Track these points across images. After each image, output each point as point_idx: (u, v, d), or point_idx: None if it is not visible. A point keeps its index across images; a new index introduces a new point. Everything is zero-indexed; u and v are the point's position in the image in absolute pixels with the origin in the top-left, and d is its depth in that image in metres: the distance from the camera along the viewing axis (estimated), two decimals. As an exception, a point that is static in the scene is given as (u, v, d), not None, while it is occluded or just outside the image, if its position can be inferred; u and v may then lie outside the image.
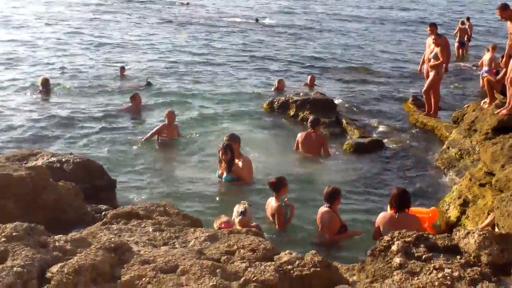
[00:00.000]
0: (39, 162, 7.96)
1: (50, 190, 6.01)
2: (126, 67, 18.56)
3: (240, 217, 6.64)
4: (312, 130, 11.68)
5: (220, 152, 9.67)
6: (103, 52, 22.65)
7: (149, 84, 17.09)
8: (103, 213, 6.09)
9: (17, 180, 5.80)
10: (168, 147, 11.80)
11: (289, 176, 8.83)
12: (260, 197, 9.10)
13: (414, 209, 7.58)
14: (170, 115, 12.12)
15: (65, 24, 29.91)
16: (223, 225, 6.37)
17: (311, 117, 12.26)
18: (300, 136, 11.84)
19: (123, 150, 11.47)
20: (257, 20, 34.42)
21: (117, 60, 20.92)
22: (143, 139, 11.92)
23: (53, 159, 8.18)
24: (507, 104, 10.63)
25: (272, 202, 8.16)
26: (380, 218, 7.26)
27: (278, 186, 8.13)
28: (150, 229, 4.88)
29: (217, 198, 9.37)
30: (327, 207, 7.70)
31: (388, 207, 7.46)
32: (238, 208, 6.78)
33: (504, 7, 10.82)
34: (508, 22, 10.80)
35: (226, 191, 9.63)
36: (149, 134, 12.01)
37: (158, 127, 12.09)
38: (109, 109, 14.41)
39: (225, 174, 9.71)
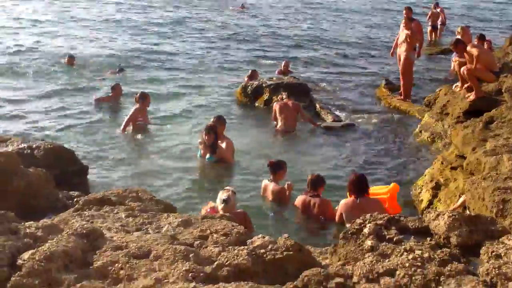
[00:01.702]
0: (9, 148, 7.83)
1: (21, 176, 5.92)
2: (75, 56, 17.80)
3: (223, 204, 6.60)
4: (287, 99, 12.07)
5: (203, 134, 9.67)
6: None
7: (122, 70, 16.92)
8: (75, 199, 6.00)
9: (-14, 166, 5.70)
10: (143, 133, 11.64)
11: (266, 158, 8.93)
12: (241, 179, 9.20)
13: (372, 189, 7.72)
14: (145, 98, 11.86)
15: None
16: (209, 210, 6.37)
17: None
18: (276, 104, 12.17)
19: (98, 137, 11.29)
20: (242, 5, 33.94)
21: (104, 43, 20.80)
22: (121, 131, 11.56)
23: (23, 145, 8.05)
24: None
25: (271, 186, 8.17)
26: (342, 205, 7.40)
27: (276, 167, 8.24)
28: (123, 215, 4.85)
29: (198, 180, 9.43)
30: (313, 195, 7.72)
31: (348, 193, 7.57)
32: (221, 196, 6.71)
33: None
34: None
35: (207, 172, 9.68)
36: (124, 123, 11.62)
37: (131, 112, 11.73)
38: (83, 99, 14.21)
39: (208, 155, 9.73)
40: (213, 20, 28.90)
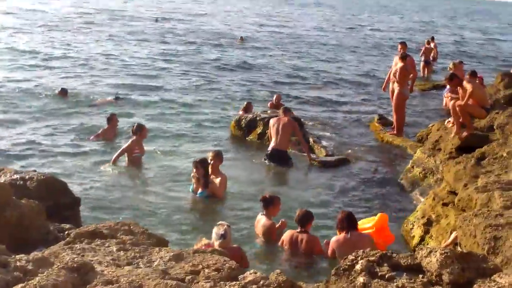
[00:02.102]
0: (2, 179, 7.79)
1: (13, 208, 5.89)
2: (68, 89, 17.55)
3: (221, 240, 6.56)
4: (284, 115, 12.13)
5: (194, 168, 9.74)
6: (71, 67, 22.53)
7: (118, 98, 16.98)
8: (66, 232, 5.98)
9: (-22, 198, 5.67)
10: (136, 165, 11.60)
11: (259, 193, 8.93)
12: (233, 214, 9.20)
13: (360, 222, 7.78)
14: (141, 130, 11.75)
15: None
16: (203, 248, 6.32)
17: (284, 106, 13.29)
18: (272, 121, 12.32)
19: (91, 169, 11.24)
20: (241, 38, 34.68)
21: (89, 76, 20.87)
22: (111, 162, 11.41)
23: (16, 176, 8.01)
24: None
25: (262, 221, 8.15)
26: (333, 242, 7.42)
27: (268, 202, 8.18)
28: (114, 249, 4.83)
29: (190, 215, 9.41)
30: (301, 231, 7.70)
31: (338, 231, 7.57)
32: (217, 231, 6.65)
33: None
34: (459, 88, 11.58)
35: (199, 207, 9.67)
36: (116, 154, 11.51)
37: (127, 144, 11.62)
38: (80, 128, 14.20)
39: (200, 190, 9.73)
40: (209, 53, 29.28)
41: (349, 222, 7.35)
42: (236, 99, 18.78)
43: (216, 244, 6.50)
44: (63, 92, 17.13)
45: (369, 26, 57.25)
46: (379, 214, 8.05)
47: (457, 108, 11.09)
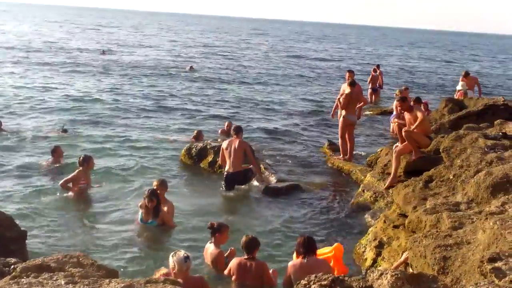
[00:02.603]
0: None
1: (-45, 243, 5.68)
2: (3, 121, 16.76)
3: (186, 262, 6.44)
4: (236, 137, 12.19)
5: (146, 199, 9.56)
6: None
7: (64, 131, 16.71)
8: (12, 266, 5.77)
9: None
10: (83, 196, 11.36)
11: (208, 221, 8.82)
12: (183, 243, 9.05)
13: (318, 251, 7.73)
14: (89, 161, 11.66)
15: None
16: (162, 277, 6.20)
17: (234, 125, 13.38)
18: (224, 144, 12.43)
19: (36, 201, 10.92)
20: (191, 67, 34.95)
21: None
22: (60, 184, 11.36)
23: (-41, 210, 7.76)
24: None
25: (210, 249, 8.05)
26: (290, 266, 7.33)
27: (216, 230, 8.05)
28: (63, 282, 4.69)
29: (140, 245, 9.23)
30: (248, 257, 7.59)
31: (295, 255, 7.54)
32: (179, 256, 6.53)
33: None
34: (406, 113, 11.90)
35: (149, 236, 9.48)
36: (64, 180, 11.40)
37: (74, 173, 11.48)
38: (25, 161, 13.82)
39: (150, 219, 9.61)
40: (157, 81, 29.35)
41: (306, 247, 7.27)
42: (187, 128, 18.69)
43: (179, 269, 6.38)
44: None
45: (315, 55, 58.39)
46: (336, 244, 8.05)
47: (403, 133, 11.32)
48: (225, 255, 8.06)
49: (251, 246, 7.57)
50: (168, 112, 21.63)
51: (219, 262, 7.92)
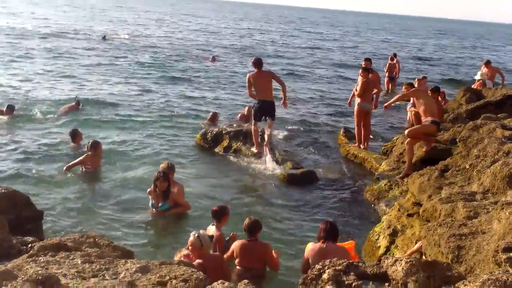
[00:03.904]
0: (-38, 193, 7.62)
1: (-27, 221, 5.77)
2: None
3: (203, 242, 6.53)
4: (258, 69, 13.03)
5: (159, 181, 9.59)
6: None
7: (78, 103, 16.95)
8: (30, 245, 5.85)
9: None
10: (94, 178, 11.52)
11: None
12: (197, 224, 9.06)
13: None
14: (96, 147, 11.87)
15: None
16: (182, 259, 6.27)
17: (254, 58, 13.93)
18: (252, 78, 13.25)
19: (52, 182, 11.06)
20: (213, 58, 35.03)
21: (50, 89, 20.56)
22: (64, 169, 11.60)
23: (-24, 189, 7.86)
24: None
25: (211, 231, 8.10)
26: (309, 250, 7.28)
27: (220, 214, 8.10)
28: (79, 261, 4.74)
29: (154, 228, 9.30)
30: (250, 240, 7.63)
31: (311, 244, 7.53)
32: (200, 237, 6.59)
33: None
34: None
35: (161, 220, 9.53)
36: (71, 163, 11.70)
37: (81, 157, 11.78)
38: (41, 141, 13.95)
39: (161, 203, 9.64)
40: (178, 66, 29.56)
41: (328, 232, 7.22)
42: (203, 110, 18.79)
43: (194, 248, 6.48)
44: (10, 110, 15.93)
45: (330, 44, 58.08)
46: (349, 241, 8.01)
47: (406, 139, 11.41)
48: (226, 239, 8.11)
49: (254, 228, 7.60)
50: (180, 95, 21.85)
51: (219, 245, 7.97)
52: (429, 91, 14.32)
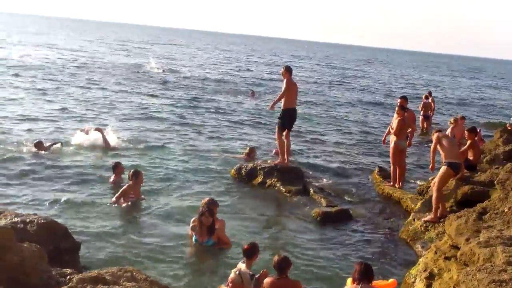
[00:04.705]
0: (2, 222, 7.77)
1: (14, 251, 5.86)
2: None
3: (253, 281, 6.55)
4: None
5: (203, 216, 9.64)
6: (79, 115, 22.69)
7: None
8: (68, 277, 5.93)
9: (-19, 240, 5.64)
10: (135, 209, 11.60)
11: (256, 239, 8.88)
12: (234, 262, 9.08)
13: (374, 283, 7.59)
14: (138, 175, 12.01)
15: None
16: None
17: (285, 66, 14.30)
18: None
19: (90, 213, 11.17)
20: (253, 92, 35.26)
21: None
22: (112, 201, 11.71)
23: (16, 219, 7.99)
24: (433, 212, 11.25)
25: (241, 267, 8.08)
26: None
27: (251, 253, 8.09)
28: (117, 295, 4.78)
29: (192, 262, 9.31)
30: (280, 277, 7.56)
31: (350, 281, 7.44)
32: (241, 274, 6.59)
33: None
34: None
35: (201, 254, 9.55)
36: (116, 197, 11.80)
37: (124, 187, 11.93)
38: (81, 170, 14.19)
39: (206, 239, 9.68)
40: (218, 100, 30.16)
41: (363, 274, 7.14)
42: (242, 145, 18.93)
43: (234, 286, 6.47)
44: (39, 145, 15.69)
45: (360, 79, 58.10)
46: (391, 280, 7.92)
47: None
48: (256, 276, 8.07)
49: (284, 265, 7.51)
50: (218, 129, 22.01)
51: (246, 281, 7.93)
52: (466, 132, 14.21)
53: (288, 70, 13.84)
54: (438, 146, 11.64)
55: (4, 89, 27.06)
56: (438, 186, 11.18)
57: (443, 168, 11.30)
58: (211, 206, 9.96)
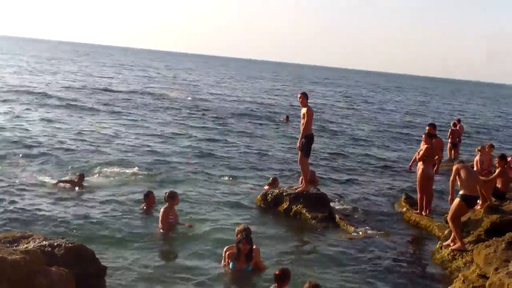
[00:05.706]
0: (31, 245, 7.87)
1: (43, 275, 5.94)
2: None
3: None
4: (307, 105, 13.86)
5: (241, 243, 9.67)
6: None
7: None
8: (94, 301, 5.99)
9: (12, 264, 5.73)
10: (171, 231, 11.70)
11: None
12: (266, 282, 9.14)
13: None
14: (174, 197, 12.06)
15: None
16: None
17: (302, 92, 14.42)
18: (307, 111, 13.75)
19: (118, 236, 11.28)
20: (287, 118, 35.28)
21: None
22: (160, 229, 11.74)
23: (44, 242, 8.10)
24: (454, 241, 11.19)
25: None
26: None
27: (283, 278, 8.18)
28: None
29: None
30: None
31: None
32: None
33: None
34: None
35: (236, 280, 9.60)
36: (161, 223, 11.79)
37: (162, 211, 11.87)
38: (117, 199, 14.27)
39: (245, 265, 9.72)
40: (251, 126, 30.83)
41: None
42: (263, 175, 18.85)
43: None
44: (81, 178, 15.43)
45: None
46: None
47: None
48: None
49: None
50: (243, 159, 21.98)
51: None
52: (496, 160, 14.04)
53: (306, 97, 13.99)
54: (456, 178, 11.45)
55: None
56: (451, 217, 11.08)
57: (456, 201, 11.14)
58: (248, 232, 9.99)
